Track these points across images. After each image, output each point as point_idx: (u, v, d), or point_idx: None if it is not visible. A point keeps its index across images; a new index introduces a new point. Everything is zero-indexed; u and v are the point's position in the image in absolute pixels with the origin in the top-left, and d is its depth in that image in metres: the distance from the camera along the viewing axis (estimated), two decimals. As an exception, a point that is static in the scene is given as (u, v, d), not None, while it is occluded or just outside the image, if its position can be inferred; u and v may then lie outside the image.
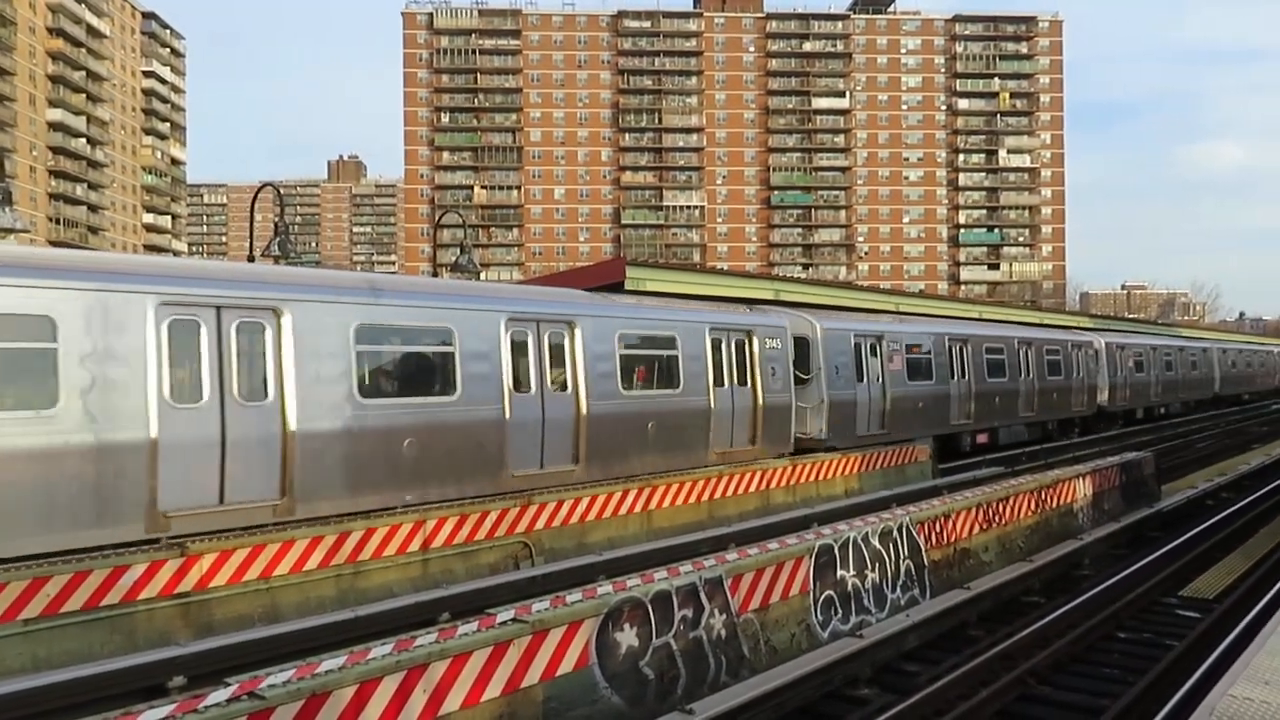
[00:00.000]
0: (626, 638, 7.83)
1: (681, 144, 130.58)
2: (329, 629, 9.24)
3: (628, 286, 18.75)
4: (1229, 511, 17.97)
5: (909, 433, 21.23)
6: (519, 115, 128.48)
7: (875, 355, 20.72)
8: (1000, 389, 26.12)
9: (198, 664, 8.18)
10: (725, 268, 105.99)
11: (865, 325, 21.02)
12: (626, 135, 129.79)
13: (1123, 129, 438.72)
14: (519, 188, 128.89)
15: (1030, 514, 14.27)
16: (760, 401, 17.41)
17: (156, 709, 5.48)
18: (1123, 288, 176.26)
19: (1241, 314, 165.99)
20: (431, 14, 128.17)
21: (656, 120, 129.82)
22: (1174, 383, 41.57)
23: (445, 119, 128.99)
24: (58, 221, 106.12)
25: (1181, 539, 15.38)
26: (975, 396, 24.65)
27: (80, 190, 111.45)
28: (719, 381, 16.68)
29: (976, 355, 24.96)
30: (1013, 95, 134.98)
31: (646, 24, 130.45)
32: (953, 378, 23.72)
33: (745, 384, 17.29)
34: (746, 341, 17.43)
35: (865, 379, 20.29)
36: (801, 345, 19.05)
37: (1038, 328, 32.68)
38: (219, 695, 5.68)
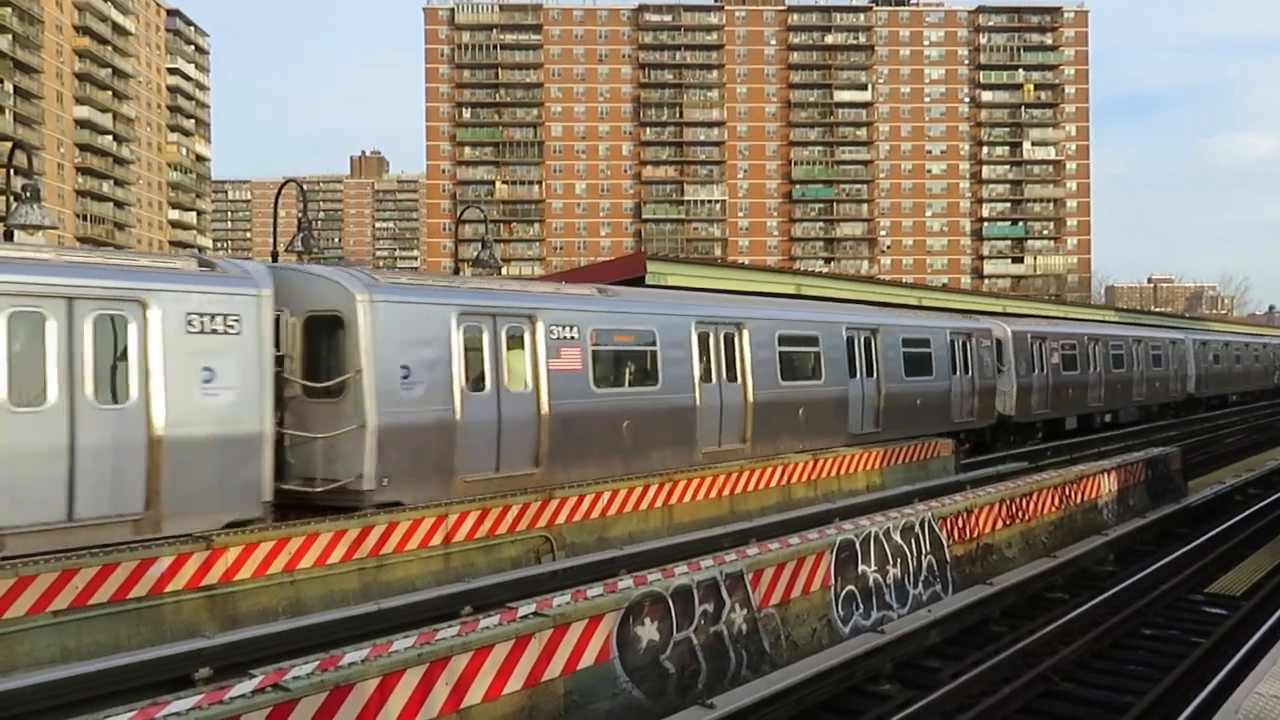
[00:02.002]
0: (647, 632, 7.85)
1: (703, 138, 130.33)
2: (352, 622, 9.34)
3: (648, 281, 18.82)
4: (1257, 508, 17.74)
5: (599, 465, 14.13)
6: (540, 110, 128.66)
7: (521, 348, 13.21)
8: (807, 397, 17.95)
9: (223, 656, 8.30)
10: (746, 262, 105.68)
11: (498, 299, 13.26)
12: (647, 129, 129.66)
13: (1149, 121, 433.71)
14: (540, 183, 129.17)
15: (1054, 509, 14.17)
16: (157, 431, 9.59)
17: (183, 700, 5.55)
18: (1149, 281, 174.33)
19: (1271, 307, 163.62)
20: (453, 9, 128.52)
21: (677, 114, 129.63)
22: (1125, 383, 33.41)
23: (467, 114, 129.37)
24: (85, 218, 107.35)
25: (1208, 535, 15.22)
26: (754, 408, 16.61)
27: (107, 187, 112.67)
28: (30, 399, 8.96)
29: (762, 348, 16.97)
30: (1037, 87, 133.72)
31: (667, 18, 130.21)
32: (710, 380, 15.99)
33: (120, 399, 9.53)
34: (140, 325, 9.62)
35: (491, 384, 12.74)
36: (326, 331, 11.57)
37: (919, 310, 25.94)
38: (244, 687, 5.75)
